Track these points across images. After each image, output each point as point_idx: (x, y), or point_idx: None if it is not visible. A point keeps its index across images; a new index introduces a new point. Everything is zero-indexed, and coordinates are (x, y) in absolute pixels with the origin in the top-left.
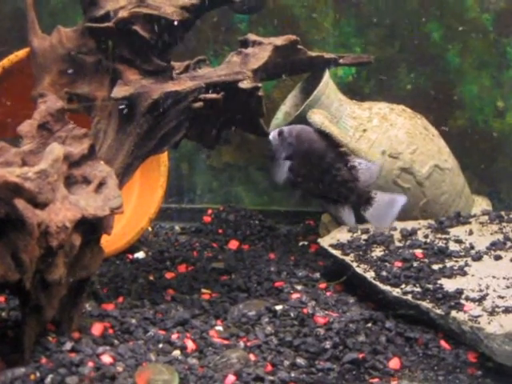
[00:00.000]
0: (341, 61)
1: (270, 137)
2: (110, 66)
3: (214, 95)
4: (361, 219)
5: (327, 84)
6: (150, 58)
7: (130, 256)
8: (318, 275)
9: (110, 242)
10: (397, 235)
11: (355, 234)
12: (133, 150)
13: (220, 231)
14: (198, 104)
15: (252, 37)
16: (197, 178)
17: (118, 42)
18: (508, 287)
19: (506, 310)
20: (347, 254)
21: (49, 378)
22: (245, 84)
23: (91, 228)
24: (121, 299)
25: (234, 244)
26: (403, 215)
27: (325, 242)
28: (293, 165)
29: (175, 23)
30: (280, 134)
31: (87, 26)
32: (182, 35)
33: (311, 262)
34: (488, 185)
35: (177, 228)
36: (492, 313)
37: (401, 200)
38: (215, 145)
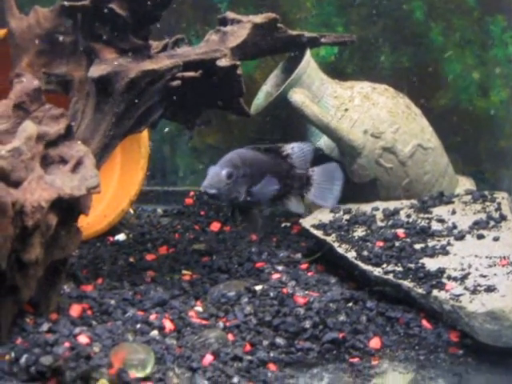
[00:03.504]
0: (322, 40)
1: (211, 190)
2: (86, 46)
3: (191, 73)
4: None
5: (308, 63)
6: (127, 36)
7: (111, 238)
8: (299, 256)
9: (91, 225)
10: (379, 215)
11: (337, 214)
12: (110, 130)
13: (202, 213)
14: (176, 82)
15: (231, 15)
16: (179, 160)
17: (95, 20)
18: (490, 266)
19: (488, 289)
20: (329, 234)
21: (23, 358)
22: (223, 62)
23: (68, 208)
24: (100, 281)
25: (215, 226)
26: (386, 195)
27: (306, 222)
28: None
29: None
30: (229, 175)
31: (62, 5)
32: (160, 13)
33: (293, 243)
34: (472, 165)
35: (159, 211)
36: (474, 292)
37: (333, 166)
38: (195, 125)
